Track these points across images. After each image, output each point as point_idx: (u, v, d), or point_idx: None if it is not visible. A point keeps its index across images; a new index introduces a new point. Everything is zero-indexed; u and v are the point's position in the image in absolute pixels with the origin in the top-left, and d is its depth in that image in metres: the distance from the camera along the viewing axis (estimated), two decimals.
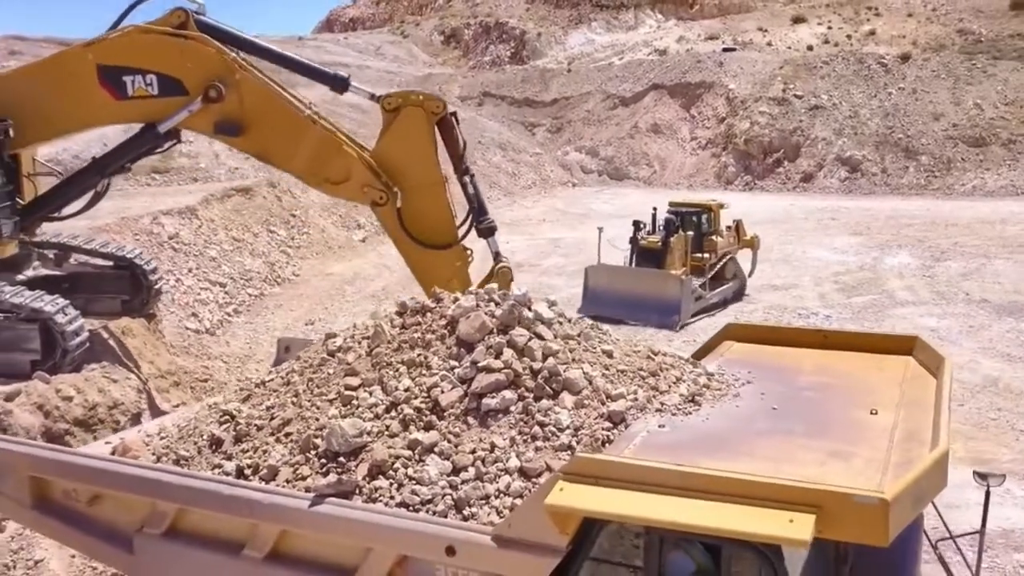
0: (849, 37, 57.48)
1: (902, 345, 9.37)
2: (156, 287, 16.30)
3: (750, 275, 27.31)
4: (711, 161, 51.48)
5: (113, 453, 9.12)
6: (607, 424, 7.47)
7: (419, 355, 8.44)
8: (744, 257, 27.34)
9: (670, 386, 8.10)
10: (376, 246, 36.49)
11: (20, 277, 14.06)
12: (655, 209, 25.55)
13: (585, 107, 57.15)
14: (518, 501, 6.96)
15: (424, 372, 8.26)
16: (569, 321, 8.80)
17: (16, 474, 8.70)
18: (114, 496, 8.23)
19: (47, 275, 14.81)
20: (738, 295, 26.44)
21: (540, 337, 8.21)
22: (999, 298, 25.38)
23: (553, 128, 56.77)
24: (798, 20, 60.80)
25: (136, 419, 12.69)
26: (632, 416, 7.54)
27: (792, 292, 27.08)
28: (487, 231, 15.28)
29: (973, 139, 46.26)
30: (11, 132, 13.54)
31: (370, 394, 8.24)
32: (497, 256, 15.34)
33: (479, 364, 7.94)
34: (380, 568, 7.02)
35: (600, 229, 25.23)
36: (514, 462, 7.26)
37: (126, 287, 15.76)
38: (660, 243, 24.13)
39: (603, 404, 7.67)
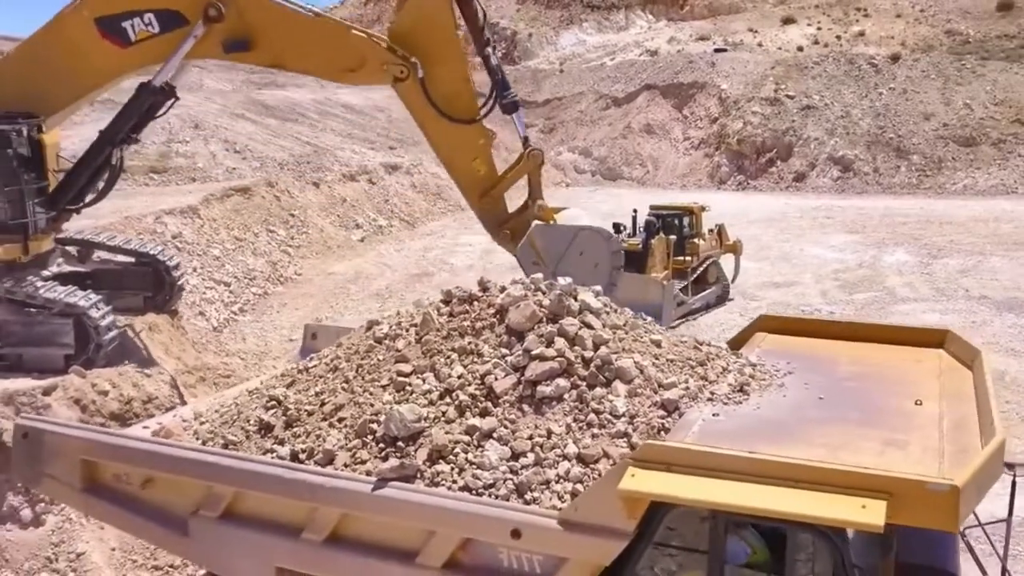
0: (839, 38, 57.87)
1: (933, 338, 9.59)
2: (178, 283, 16.37)
3: (733, 280, 26.99)
4: (704, 161, 51.76)
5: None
6: (661, 412, 7.64)
7: (469, 343, 8.59)
8: (727, 262, 27.08)
9: (718, 376, 8.28)
10: (375, 245, 36.63)
11: (44, 273, 14.09)
12: (635, 211, 25.24)
13: (578, 107, 57.41)
14: (579, 487, 7.12)
15: (476, 360, 8.41)
16: (615, 311, 8.97)
17: (67, 457, 8.80)
18: (168, 479, 8.34)
19: (71, 271, 14.84)
20: (721, 299, 26.03)
21: (589, 326, 8.38)
22: (998, 294, 25.69)
23: (546, 128, 56.94)
24: (788, 21, 61.15)
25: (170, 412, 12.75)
26: (685, 405, 7.71)
27: (794, 289, 27.33)
28: (511, 106, 15.11)
29: (963, 139, 46.69)
30: (43, 128, 13.59)
31: (423, 381, 8.39)
32: (526, 141, 15.46)
33: (532, 352, 8.10)
34: (442, 551, 7.16)
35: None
36: (572, 448, 7.42)
37: (149, 283, 15.83)
38: (640, 246, 23.55)
39: (655, 393, 7.84)
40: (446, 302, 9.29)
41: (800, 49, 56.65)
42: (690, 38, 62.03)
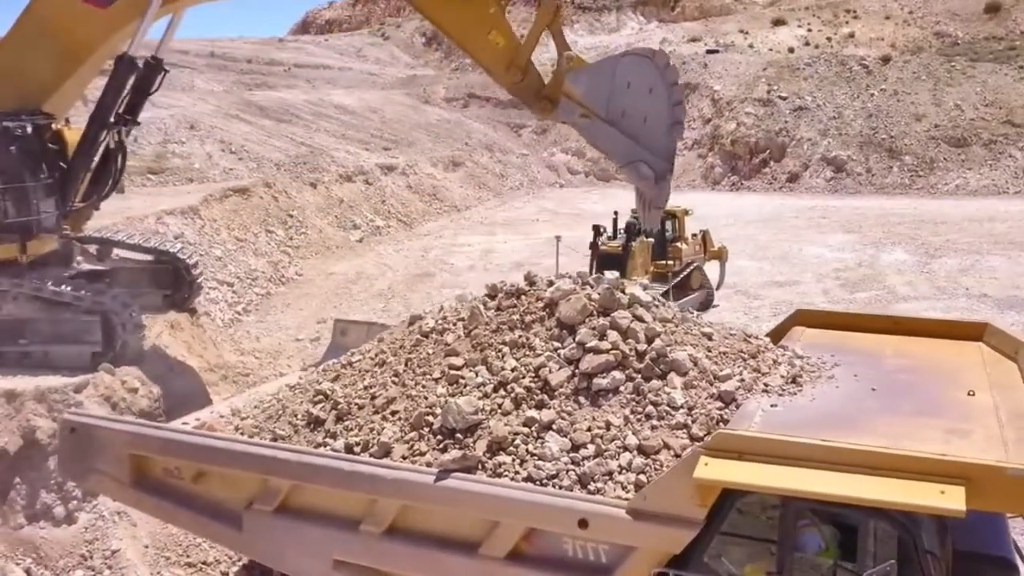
0: (829, 39, 58.16)
1: (972, 331, 9.69)
2: (197, 282, 16.32)
3: (718, 287, 26.21)
4: (698, 162, 51.95)
5: None
6: (718, 404, 7.72)
7: (520, 336, 8.65)
8: (713, 269, 26.27)
9: (770, 368, 8.35)
10: (374, 246, 36.58)
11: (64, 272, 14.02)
12: (616, 213, 24.69)
13: None
14: (641, 477, 7.18)
15: (528, 353, 8.47)
16: (663, 304, 9.04)
17: (116, 452, 8.80)
18: (221, 473, 8.34)
19: (90, 270, 14.76)
20: (704, 306, 24.88)
21: (640, 319, 8.44)
22: (998, 292, 25.90)
23: (539, 129, 56.91)
24: (778, 22, 61.42)
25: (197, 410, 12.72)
26: (741, 396, 7.78)
27: (796, 288, 27.45)
28: None
29: (955, 140, 47.03)
30: (54, 126, 13.48)
31: (476, 374, 8.44)
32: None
33: (586, 345, 8.16)
34: (506, 542, 7.20)
35: (558, 238, 23.92)
36: (632, 440, 7.48)
37: (168, 282, 15.76)
38: (621, 249, 22.84)
39: (711, 384, 7.90)
40: (492, 296, 9.35)
41: (791, 50, 56.93)
42: (681, 40, 62.19)
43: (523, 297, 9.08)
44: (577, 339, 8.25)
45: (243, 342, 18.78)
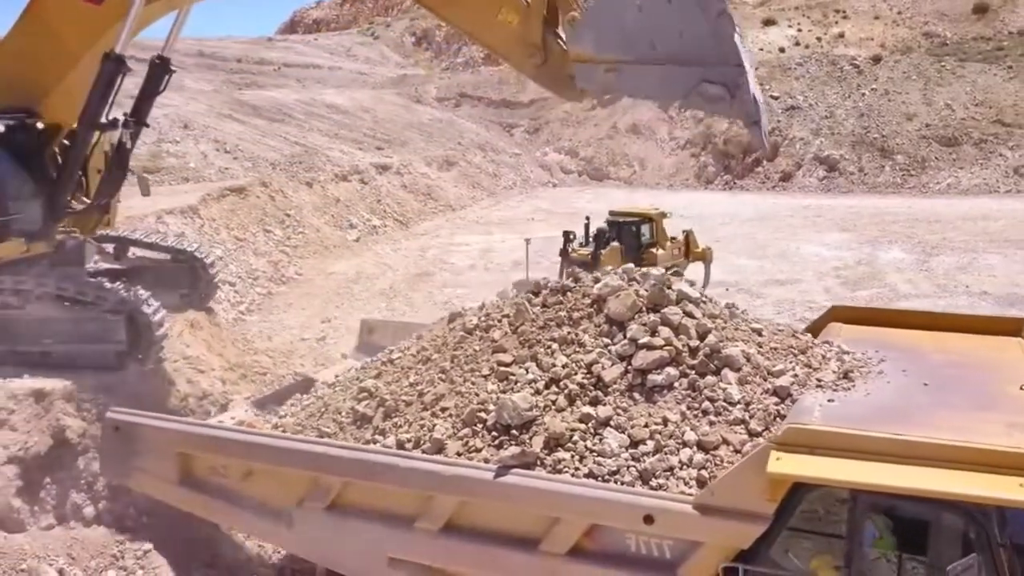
0: (819, 39, 58.40)
1: (1009, 326, 9.76)
2: (214, 281, 16.22)
3: (704, 287, 25.78)
4: (691, 161, 52.07)
5: None
6: (774, 399, 7.74)
7: (569, 333, 8.65)
8: (697, 271, 25.32)
9: (820, 363, 8.37)
10: (371, 245, 36.48)
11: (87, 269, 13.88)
12: (588, 219, 23.79)
13: (563, 108, 57.34)
14: (703, 473, 7.20)
15: (578, 349, 8.47)
16: (710, 300, 9.06)
17: (162, 451, 8.74)
18: (271, 471, 8.29)
19: (107, 269, 14.63)
20: None
21: (690, 315, 8.46)
22: (998, 290, 26.07)
23: (531, 129, 57.01)
24: (768, 22, 61.60)
25: (224, 409, 12.66)
26: (796, 392, 7.80)
27: (797, 287, 27.54)
28: None
29: (946, 139, 47.35)
30: (39, 124, 13.23)
31: (526, 371, 8.43)
32: None
33: (639, 341, 8.16)
34: (567, 538, 7.20)
35: (527, 241, 23.61)
36: (690, 436, 7.49)
37: (185, 280, 15.65)
38: (591, 256, 21.76)
39: (765, 380, 7.92)
40: (536, 293, 9.34)
41: (782, 50, 57.16)
42: None
43: (569, 294, 9.09)
44: (629, 335, 8.25)
45: (256, 341, 18.69)
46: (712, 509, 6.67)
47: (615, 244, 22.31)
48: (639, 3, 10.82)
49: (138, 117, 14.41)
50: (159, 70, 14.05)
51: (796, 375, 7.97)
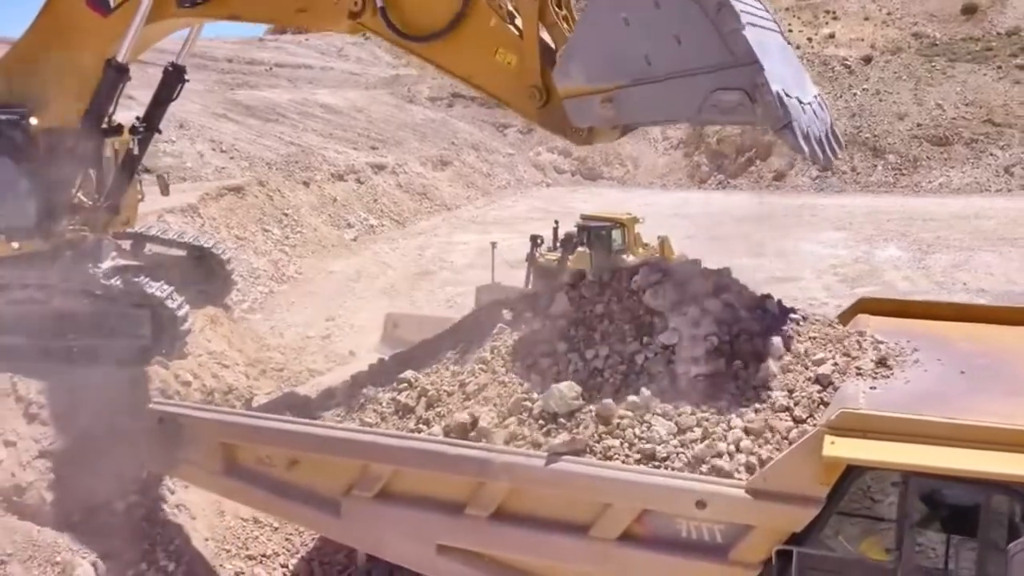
0: (810, 40, 58.81)
1: None
2: (231, 277, 16.26)
3: None
4: (684, 160, 52.33)
5: None
6: (817, 387, 7.88)
7: (608, 324, 8.76)
8: None
9: (858, 352, 8.51)
10: (369, 245, 36.51)
11: (107, 265, 13.89)
12: (557, 223, 22.86)
13: None
14: (751, 459, 7.32)
15: (619, 340, 8.58)
16: (747, 290, 9.20)
17: (205, 441, 8.80)
18: (317, 460, 8.36)
19: (125, 265, 14.64)
20: None
21: (730, 305, 8.59)
22: (995, 288, 26.32)
23: (524, 129, 56.95)
24: None
25: (248, 404, 12.73)
26: (837, 379, 7.94)
27: (797, 284, 27.73)
28: None
29: (937, 138, 47.77)
30: (32, 120, 13.25)
31: (569, 361, 8.53)
32: None
33: (680, 332, 8.28)
34: (619, 523, 7.31)
35: (493, 244, 22.97)
36: (737, 422, 7.63)
37: (202, 276, 15.68)
38: (557, 263, 20.90)
39: (807, 368, 8.06)
40: (573, 285, 9.45)
41: None
42: None
43: (607, 286, 9.20)
44: (672, 325, 8.37)
45: (268, 338, 18.75)
46: (765, 493, 6.80)
47: (582, 249, 21.43)
48: (624, 15, 9.22)
49: (150, 123, 14.47)
50: (173, 77, 14.09)
51: (836, 363, 8.11)
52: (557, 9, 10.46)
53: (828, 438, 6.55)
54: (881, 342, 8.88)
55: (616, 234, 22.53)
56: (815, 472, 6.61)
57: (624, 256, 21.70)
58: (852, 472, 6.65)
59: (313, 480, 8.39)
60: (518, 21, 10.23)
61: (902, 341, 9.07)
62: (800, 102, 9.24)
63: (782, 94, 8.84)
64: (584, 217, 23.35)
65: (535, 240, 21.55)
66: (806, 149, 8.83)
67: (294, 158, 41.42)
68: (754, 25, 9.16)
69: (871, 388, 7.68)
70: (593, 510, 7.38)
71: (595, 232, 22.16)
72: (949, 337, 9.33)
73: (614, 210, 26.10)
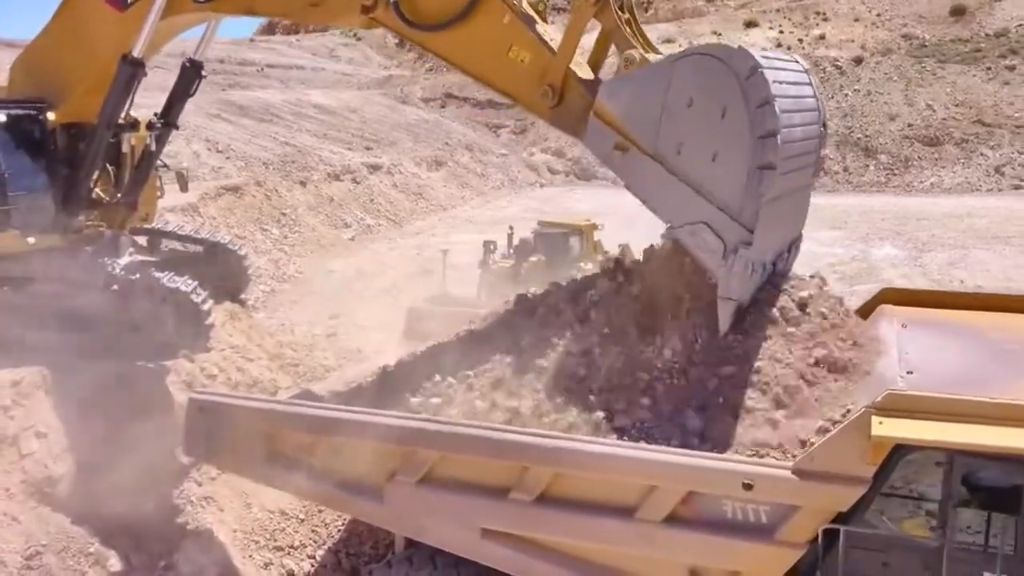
0: (800, 41, 59.18)
1: None
2: (248, 272, 16.32)
3: None
4: None
5: None
6: (847, 373, 8.03)
7: (641, 316, 8.89)
8: None
9: (886, 341, 8.67)
10: (367, 244, 36.59)
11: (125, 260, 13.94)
12: (512, 228, 22.41)
13: None
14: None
15: (651, 330, 8.72)
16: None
17: (246, 430, 8.87)
18: (358, 446, 8.43)
19: (142, 261, 14.68)
20: None
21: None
22: (993, 285, 26.47)
23: (517, 129, 57.26)
24: (750, 24, 62.38)
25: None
26: (867, 366, 8.11)
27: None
28: None
29: (928, 139, 48.28)
30: (50, 114, 13.31)
31: (601, 350, 8.67)
32: None
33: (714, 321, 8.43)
34: (664, 506, 7.43)
35: (444, 252, 22.61)
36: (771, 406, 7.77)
37: (218, 272, 15.71)
38: (511, 268, 20.44)
39: (838, 355, 8.22)
40: (611, 277, 9.57)
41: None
42: (656, 41, 62.59)
43: (637, 279, 9.33)
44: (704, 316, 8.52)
45: (279, 335, 18.79)
46: (811, 474, 6.94)
47: (535, 259, 20.70)
48: (690, 96, 8.85)
49: (167, 119, 14.53)
50: (191, 73, 14.16)
51: (867, 351, 8.28)
52: (620, 12, 10.35)
53: (875, 418, 6.70)
54: (908, 330, 9.06)
55: (573, 241, 21.71)
56: (862, 452, 6.76)
57: (582, 264, 19.90)
58: (898, 451, 6.80)
59: (355, 466, 8.46)
60: (539, 27, 10.27)
61: (928, 329, 9.26)
62: (764, 268, 9.38)
63: (748, 269, 8.63)
64: (541, 223, 22.78)
65: (487, 246, 21.03)
66: (725, 327, 8.63)
67: (290, 158, 41.46)
68: (786, 173, 8.83)
69: (908, 372, 7.84)
70: (639, 493, 7.49)
71: (551, 238, 21.47)
72: (975, 325, 9.51)
73: (574, 217, 25.43)
